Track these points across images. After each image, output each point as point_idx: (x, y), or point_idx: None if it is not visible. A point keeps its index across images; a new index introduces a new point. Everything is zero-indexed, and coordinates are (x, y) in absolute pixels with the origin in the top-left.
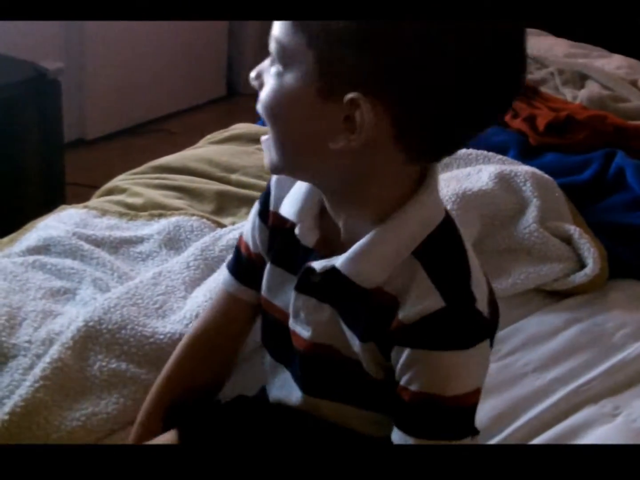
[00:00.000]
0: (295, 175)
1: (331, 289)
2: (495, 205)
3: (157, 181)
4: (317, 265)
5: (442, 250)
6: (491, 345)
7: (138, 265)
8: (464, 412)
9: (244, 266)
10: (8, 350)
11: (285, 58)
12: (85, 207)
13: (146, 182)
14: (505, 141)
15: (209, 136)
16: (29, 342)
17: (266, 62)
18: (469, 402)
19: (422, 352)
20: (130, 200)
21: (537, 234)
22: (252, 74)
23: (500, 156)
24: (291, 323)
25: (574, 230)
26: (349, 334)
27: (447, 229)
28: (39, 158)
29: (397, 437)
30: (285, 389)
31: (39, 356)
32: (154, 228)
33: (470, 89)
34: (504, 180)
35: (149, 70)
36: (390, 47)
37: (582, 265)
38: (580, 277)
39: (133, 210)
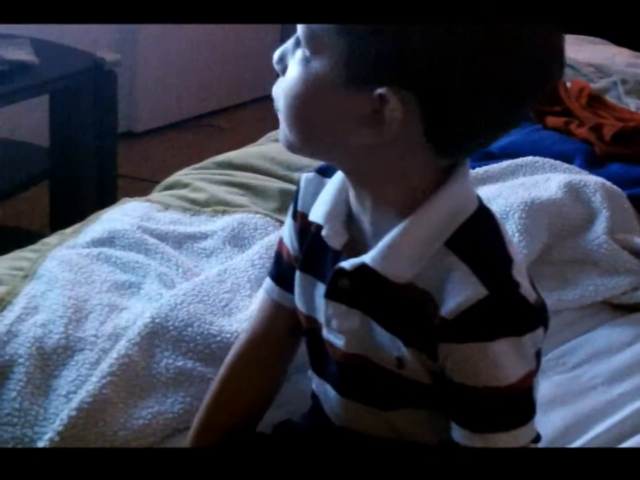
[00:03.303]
0: (312, 158)
1: (362, 292)
2: (564, 214)
3: (219, 177)
4: (347, 264)
5: (478, 239)
6: (546, 329)
7: (202, 262)
8: (521, 397)
9: (285, 271)
10: (74, 344)
11: (315, 44)
12: (148, 200)
13: (209, 178)
14: (570, 150)
15: (270, 133)
16: (95, 336)
17: (289, 45)
18: (525, 386)
19: (471, 345)
20: (193, 195)
21: (606, 245)
22: (275, 56)
23: (567, 165)
24: (325, 333)
25: None
26: (388, 339)
27: (481, 217)
28: (93, 148)
29: (459, 435)
30: (327, 401)
31: (105, 351)
32: (217, 224)
33: (497, 87)
34: (573, 190)
35: (200, 65)
36: (423, 43)
37: None
38: None
39: (196, 206)
